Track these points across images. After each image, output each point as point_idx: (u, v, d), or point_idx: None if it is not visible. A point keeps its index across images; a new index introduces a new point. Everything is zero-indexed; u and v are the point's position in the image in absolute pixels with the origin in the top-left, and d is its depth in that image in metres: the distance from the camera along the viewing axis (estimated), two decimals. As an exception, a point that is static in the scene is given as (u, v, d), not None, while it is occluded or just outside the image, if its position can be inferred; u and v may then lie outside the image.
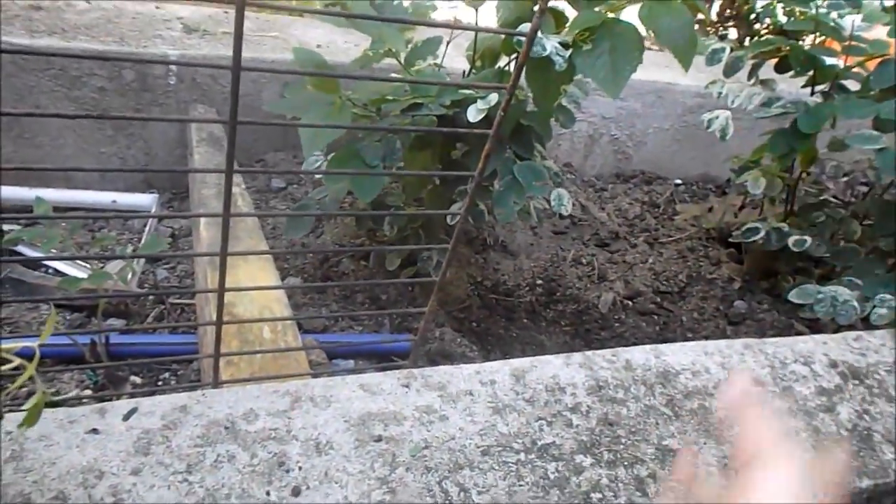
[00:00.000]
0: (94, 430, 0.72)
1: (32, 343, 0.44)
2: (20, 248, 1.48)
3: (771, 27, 2.05)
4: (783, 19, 1.90)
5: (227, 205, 0.68)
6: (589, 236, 2.17)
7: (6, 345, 0.42)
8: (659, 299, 1.92)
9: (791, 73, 1.66)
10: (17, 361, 0.43)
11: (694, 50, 0.96)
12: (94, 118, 0.65)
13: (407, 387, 0.89)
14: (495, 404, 0.89)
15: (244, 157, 2.08)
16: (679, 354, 1.08)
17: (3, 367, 0.48)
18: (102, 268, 1.33)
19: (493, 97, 1.03)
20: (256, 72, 0.82)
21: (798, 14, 1.74)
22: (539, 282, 1.97)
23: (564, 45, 1.01)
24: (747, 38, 2.58)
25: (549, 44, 1.05)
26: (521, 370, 0.96)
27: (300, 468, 0.73)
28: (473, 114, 1.04)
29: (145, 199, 1.87)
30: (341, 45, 2.21)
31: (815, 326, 1.82)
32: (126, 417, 0.75)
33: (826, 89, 1.67)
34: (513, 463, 0.81)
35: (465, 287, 1.84)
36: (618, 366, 1.02)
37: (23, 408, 0.46)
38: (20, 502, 0.63)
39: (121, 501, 0.66)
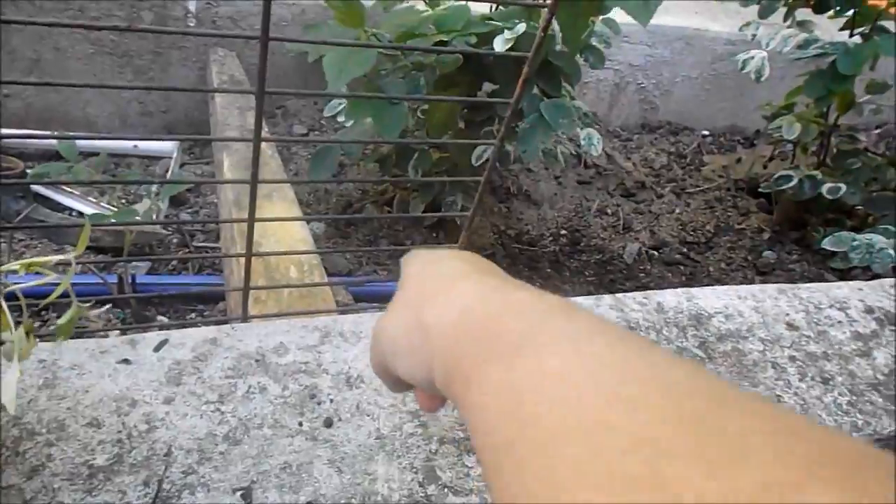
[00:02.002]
0: (126, 361, 0.72)
1: (68, 256, 0.43)
2: (43, 191, 1.48)
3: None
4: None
5: (254, 173, 0.66)
6: (614, 186, 2.13)
7: (41, 259, 0.41)
8: (685, 250, 1.89)
9: (829, 13, 1.60)
10: (51, 276, 0.42)
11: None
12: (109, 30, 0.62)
13: (436, 324, 0.87)
14: (526, 343, 0.87)
15: (265, 104, 2.05)
16: (711, 298, 1.06)
17: (32, 283, 0.47)
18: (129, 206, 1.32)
19: (521, 27, 0.99)
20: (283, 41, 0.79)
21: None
22: (563, 231, 1.94)
23: (598, -26, 0.97)
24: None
25: (580, -28, 1.00)
26: (552, 310, 0.94)
27: (331, 401, 0.73)
28: (500, 44, 1.00)
29: (166, 144, 1.86)
30: (362, -13, 2.16)
31: (846, 277, 1.78)
32: (157, 349, 0.74)
33: (866, 31, 1.60)
34: (544, 400, 0.80)
35: (489, 236, 1.82)
36: (649, 308, 1.00)
37: (58, 321, 0.45)
38: (55, 427, 0.64)
39: (154, 428, 0.66)
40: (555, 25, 1.12)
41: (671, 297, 1.03)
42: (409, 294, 0.38)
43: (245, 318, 0.83)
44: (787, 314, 1.06)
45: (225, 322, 0.92)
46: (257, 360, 0.76)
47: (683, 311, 1.00)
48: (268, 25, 0.51)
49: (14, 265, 0.42)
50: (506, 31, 0.99)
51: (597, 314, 0.88)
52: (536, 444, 0.22)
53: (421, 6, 1.24)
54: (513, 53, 0.61)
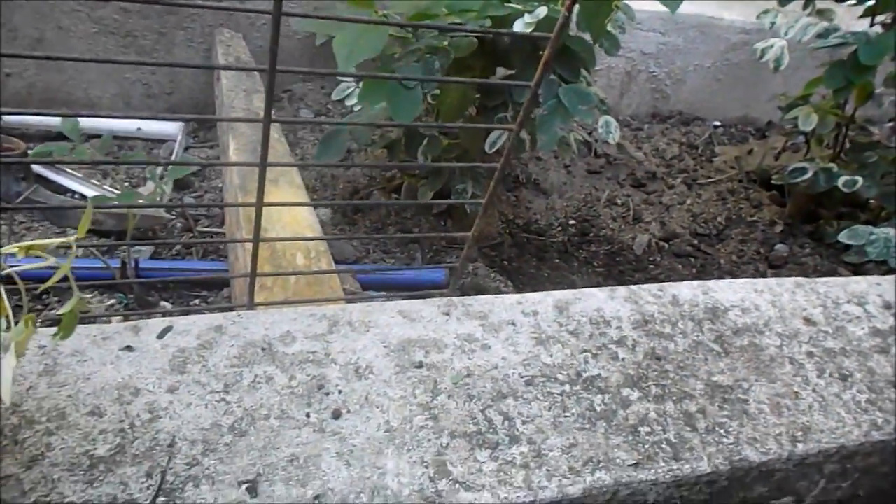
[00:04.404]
0: (129, 348, 0.70)
1: (69, 239, 0.41)
2: (45, 172, 1.45)
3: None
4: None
5: (264, 156, 0.63)
6: (624, 176, 2.10)
7: (41, 242, 0.39)
8: (696, 241, 1.86)
9: (850, 1, 1.56)
10: (51, 260, 0.40)
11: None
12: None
13: (447, 315, 0.85)
14: (538, 335, 0.85)
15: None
16: (728, 291, 1.03)
17: (31, 266, 0.45)
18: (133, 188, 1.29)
19: (542, 10, 0.96)
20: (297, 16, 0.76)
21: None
22: (572, 221, 1.92)
23: (620, -44, 0.94)
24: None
25: (602, -43, 0.96)
26: (565, 302, 0.92)
27: (340, 391, 0.71)
28: (520, 28, 0.97)
29: (171, 127, 1.83)
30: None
31: (859, 272, 1.76)
32: (161, 336, 0.72)
33: (888, 20, 1.56)
34: (558, 394, 0.78)
35: (497, 224, 1.79)
36: (664, 301, 0.98)
37: (58, 313, 0.43)
38: (55, 416, 0.61)
39: (157, 418, 0.64)
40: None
41: (687, 290, 1.00)
42: None
43: (251, 305, 0.81)
44: (805, 309, 1.04)
45: (230, 309, 0.89)
46: (264, 349, 0.73)
47: (699, 305, 0.98)
48: (280, 1, 0.49)
49: (12, 248, 0.40)
50: (526, 14, 0.96)
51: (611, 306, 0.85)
52: None
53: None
54: (534, 34, 0.58)
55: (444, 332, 0.82)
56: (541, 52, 0.60)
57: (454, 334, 0.82)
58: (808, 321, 1.01)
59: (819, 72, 1.59)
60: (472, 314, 0.86)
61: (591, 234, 1.88)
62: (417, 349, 0.78)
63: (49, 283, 0.42)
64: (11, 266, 0.41)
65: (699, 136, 2.42)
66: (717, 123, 2.58)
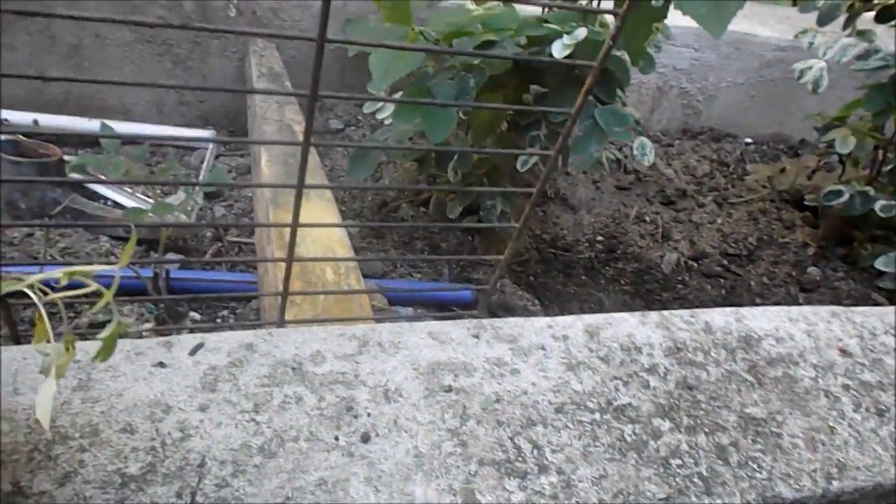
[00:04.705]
0: (161, 364, 0.71)
1: (111, 269, 0.41)
2: (79, 178, 1.47)
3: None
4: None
5: (301, 179, 0.63)
6: (654, 193, 2.08)
7: (84, 268, 0.39)
8: (726, 262, 1.83)
9: (893, 22, 1.53)
10: (93, 286, 0.40)
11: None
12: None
13: (477, 337, 0.85)
14: (568, 360, 0.84)
15: (302, 100, 2.04)
16: (761, 319, 1.01)
17: (73, 293, 0.45)
18: (164, 199, 1.31)
19: (581, 32, 0.95)
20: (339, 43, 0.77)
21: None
22: (599, 238, 1.90)
23: (661, -22, 0.92)
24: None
25: (642, -22, 0.95)
26: (595, 327, 0.91)
27: (369, 414, 0.70)
28: (559, 49, 0.96)
29: (203, 135, 1.85)
30: (404, -18, 2.13)
31: (893, 298, 1.72)
32: (193, 352, 0.72)
33: (930, 42, 1.53)
34: (587, 422, 0.77)
35: (524, 240, 1.78)
36: (696, 328, 0.96)
37: (98, 336, 0.43)
38: (88, 432, 0.62)
39: (188, 437, 0.64)
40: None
41: (719, 318, 0.99)
42: None
43: (282, 322, 0.81)
44: (841, 339, 1.01)
45: (259, 325, 0.90)
46: (294, 369, 0.73)
47: (732, 332, 0.96)
48: (325, 27, 0.49)
49: (57, 273, 0.40)
50: (565, 35, 0.95)
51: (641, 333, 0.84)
52: None
53: (469, 4, 1.20)
54: (576, 62, 0.58)
55: (473, 356, 0.81)
56: (576, 72, 0.60)
57: (483, 358, 0.81)
58: (844, 352, 0.99)
59: (857, 93, 1.56)
60: (501, 337, 0.85)
61: (619, 252, 1.87)
62: (447, 372, 0.78)
63: (93, 311, 0.42)
64: (55, 290, 0.41)
65: (730, 153, 2.39)
66: (749, 141, 2.55)
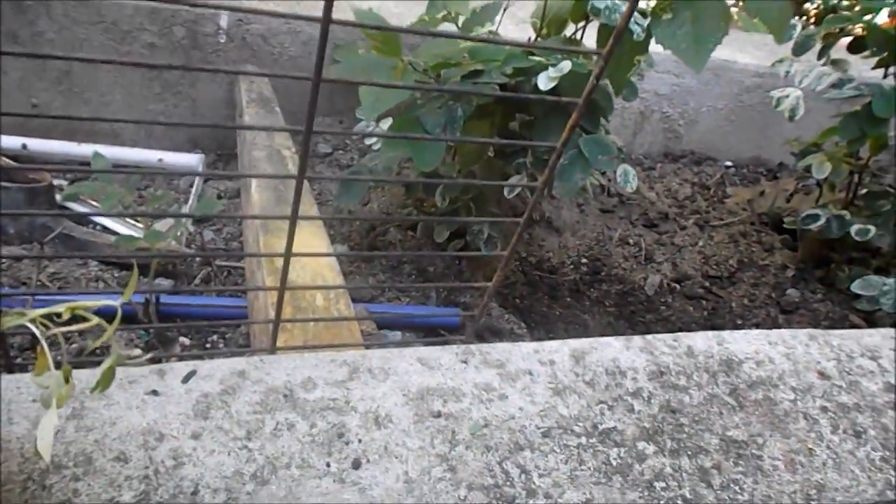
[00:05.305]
0: (154, 392, 0.71)
1: (114, 301, 0.42)
2: (71, 205, 1.48)
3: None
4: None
5: (295, 209, 0.65)
6: (637, 216, 2.12)
7: (87, 301, 0.40)
8: (708, 284, 1.87)
9: (865, 52, 1.58)
10: (95, 321, 0.41)
11: (788, 21, 0.90)
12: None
13: (465, 363, 0.86)
14: (555, 385, 0.86)
15: (291, 122, 2.06)
16: (742, 342, 1.04)
17: (75, 327, 0.47)
18: (152, 226, 1.32)
19: (566, 65, 0.98)
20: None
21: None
22: (584, 260, 1.93)
23: (642, 14, 0.96)
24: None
25: (625, 12, 0.98)
26: (581, 351, 0.93)
27: (359, 441, 0.72)
28: (544, 81, 0.99)
29: (191, 159, 1.86)
30: (393, 9, 2.17)
31: (870, 319, 1.76)
32: (185, 380, 0.73)
33: (901, 72, 1.58)
34: (574, 447, 0.78)
35: (511, 263, 1.81)
36: (679, 351, 0.99)
37: (97, 369, 0.45)
38: (82, 461, 0.63)
39: (181, 465, 0.65)
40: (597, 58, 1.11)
41: (701, 341, 1.01)
42: None
43: (273, 349, 0.82)
44: (819, 362, 1.04)
45: (250, 350, 0.91)
46: (285, 395, 0.75)
47: (714, 356, 0.98)
48: (321, 67, 0.51)
49: (59, 308, 0.41)
50: (550, 68, 0.98)
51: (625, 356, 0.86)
52: None
53: (454, 29, 1.23)
54: (562, 99, 0.60)
55: (462, 381, 0.83)
56: (561, 103, 0.62)
57: (472, 383, 0.83)
58: (822, 375, 1.02)
59: (832, 120, 1.61)
60: (489, 362, 0.87)
61: (603, 274, 1.89)
62: (436, 398, 0.79)
63: (94, 346, 0.43)
64: (58, 325, 0.43)
65: (711, 176, 2.44)
66: (729, 164, 2.60)
